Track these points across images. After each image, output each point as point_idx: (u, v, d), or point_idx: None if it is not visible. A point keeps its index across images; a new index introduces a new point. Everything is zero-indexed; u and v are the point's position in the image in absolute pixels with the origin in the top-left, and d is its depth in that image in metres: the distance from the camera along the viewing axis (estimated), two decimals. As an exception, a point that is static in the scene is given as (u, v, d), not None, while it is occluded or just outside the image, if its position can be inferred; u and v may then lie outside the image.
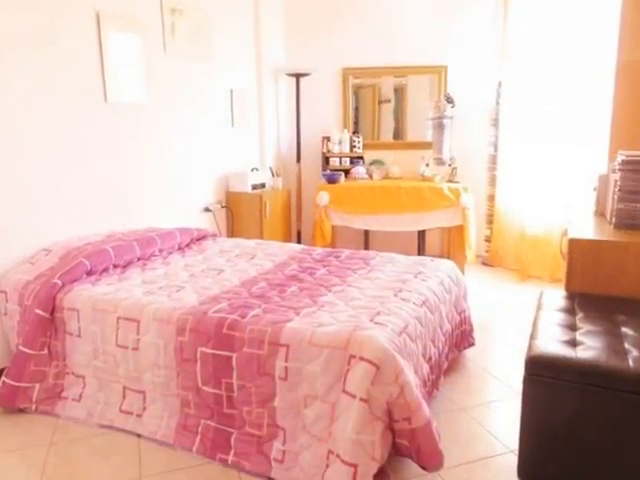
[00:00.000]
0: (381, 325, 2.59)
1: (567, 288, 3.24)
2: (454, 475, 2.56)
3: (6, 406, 3.11)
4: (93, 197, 4.09)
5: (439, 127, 5.73)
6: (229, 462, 2.63)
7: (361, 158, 6.19)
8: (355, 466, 2.27)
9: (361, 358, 2.35)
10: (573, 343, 2.46)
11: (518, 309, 4.73)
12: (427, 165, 5.85)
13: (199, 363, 2.69)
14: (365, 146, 6.25)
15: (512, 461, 2.59)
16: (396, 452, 2.44)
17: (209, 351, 2.66)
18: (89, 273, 3.41)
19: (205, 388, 2.69)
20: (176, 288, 3.23)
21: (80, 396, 3.11)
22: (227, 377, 2.63)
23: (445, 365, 3.35)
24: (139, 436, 2.89)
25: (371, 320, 2.65)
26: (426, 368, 2.87)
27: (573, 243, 3.19)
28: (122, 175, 4.35)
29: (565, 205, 5.27)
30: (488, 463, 2.65)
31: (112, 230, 4.13)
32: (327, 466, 2.38)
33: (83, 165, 4.00)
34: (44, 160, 3.71)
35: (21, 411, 3.13)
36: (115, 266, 3.61)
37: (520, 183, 5.79)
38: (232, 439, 2.66)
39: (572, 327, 2.67)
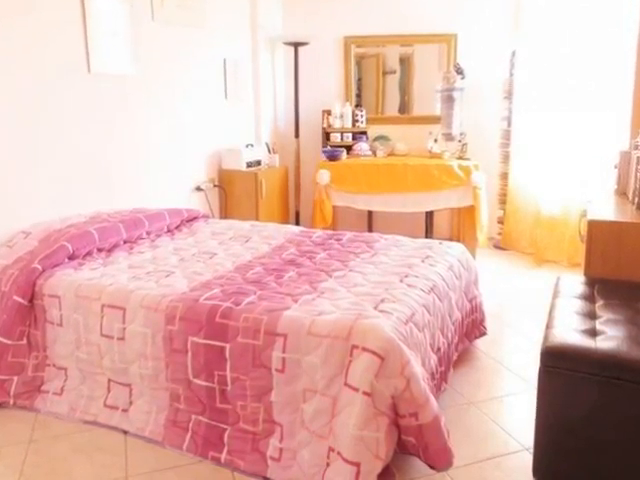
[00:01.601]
0: (386, 313, 2.56)
1: (586, 273, 3.22)
2: (464, 475, 2.55)
3: (-18, 400, 3.10)
4: (76, 175, 4.05)
5: (448, 100, 5.69)
6: (222, 461, 2.61)
7: (364, 133, 6.15)
8: (358, 465, 2.25)
9: (364, 349, 2.33)
10: (593, 332, 2.44)
11: (533, 296, 4.72)
12: (435, 141, 5.82)
13: (190, 354, 2.67)
14: (368, 120, 6.20)
15: (527, 460, 2.57)
16: (402, 450, 2.43)
17: (200, 341, 2.64)
18: (71, 257, 3.38)
19: (196, 381, 2.67)
20: (165, 273, 3.21)
21: (62, 390, 3.09)
22: (220, 369, 2.61)
23: (455, 356, 3.33)
24: (125, 433, 2.87)
25: (375, 308, 2.63)
26: (434, 359, 2.86)
27: (593, 225, 3.17)
28: (107, 152, 4.31)
29: (584, 184, 5.24)
30: (501, 462, 2.63)
31: (96, 211, 4.10)
32: (327, 465, 2.37)
33: (65, 141, 3.96)
34: (23, 136, 3.67)
35: (-1, 405, 3.12)
36: (99, 250, 3.58)
37: (535, 160, 5.76)
38: (225, 436, 2.65)
39: (591, 315, 2.65)
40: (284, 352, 2.47)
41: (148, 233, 3.99)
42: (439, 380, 2.95)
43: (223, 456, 2.62)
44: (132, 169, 4.55)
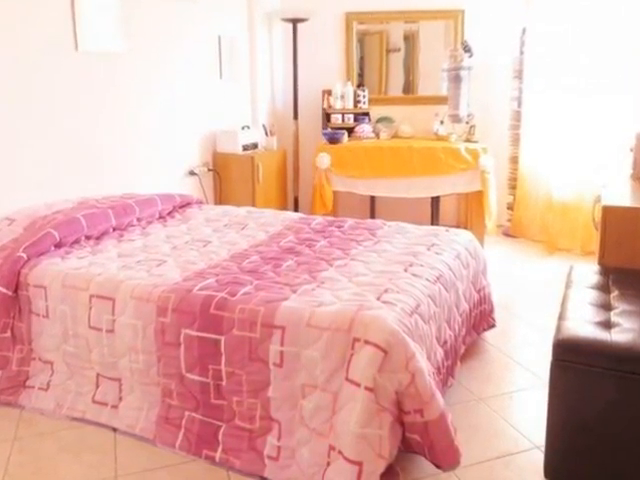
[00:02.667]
0: (389, 304, 2.55)
1: (600, 262, 3.21)
2: (472, 474, 2.54)
3: (-36, 396, 3.09)
4: (62, 159, 4.03)
5: (455, 79, 5.65)
6: (217, 459, 2.61)
7: (367, 115, 6.12)
8: (360, 464, 2.24)
9: (366, 342, 2.32)
10: (607, 325, 2.43)
11: (544, 286, 4.71)
12: (441, 123, 5.80)
13: (183, 347, 2.66)
14: (371, 101, 6.16)
15: (538, 458, 2.56)
16: (406, 448, 2.42)
17: (194, 333, 2.62)
18: (58, 245, 3.36)
19: (189, 376, 2.66)
20: (157, 262, 3.19)
21: (48, 385, 3.08)
22: (214, 363, 2.59)
23: (462, 350, 3.32)
24: (115, 430, 2.86)
25: (378, 298, 2.61)
26: (440, 353, 2.85)
27: (607, 211, 3.15)
28: (95, 134, 4.28)
29: (598, 168, 5.22)
30: (511, 461, 2.62)
31: (84, 196, 4.06)
32: (328, 464, 2.36)
33: (51, 123, 3.93)
34: (6, 117, 3.64)
35: (-19, 401, 3.11)
36: (87, 237, 3.56)
37: (547, 143, 5.73)
38: (220, 434, 2.64)
39: (606, 306, 2.63)
40: (282, 345, 2.45)
41: (139, 220, 3.97)
42: (445, 375, 2.94)
43: (218, 455, 2.61)
44: (122, 152, 4.53)
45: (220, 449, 2.61)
